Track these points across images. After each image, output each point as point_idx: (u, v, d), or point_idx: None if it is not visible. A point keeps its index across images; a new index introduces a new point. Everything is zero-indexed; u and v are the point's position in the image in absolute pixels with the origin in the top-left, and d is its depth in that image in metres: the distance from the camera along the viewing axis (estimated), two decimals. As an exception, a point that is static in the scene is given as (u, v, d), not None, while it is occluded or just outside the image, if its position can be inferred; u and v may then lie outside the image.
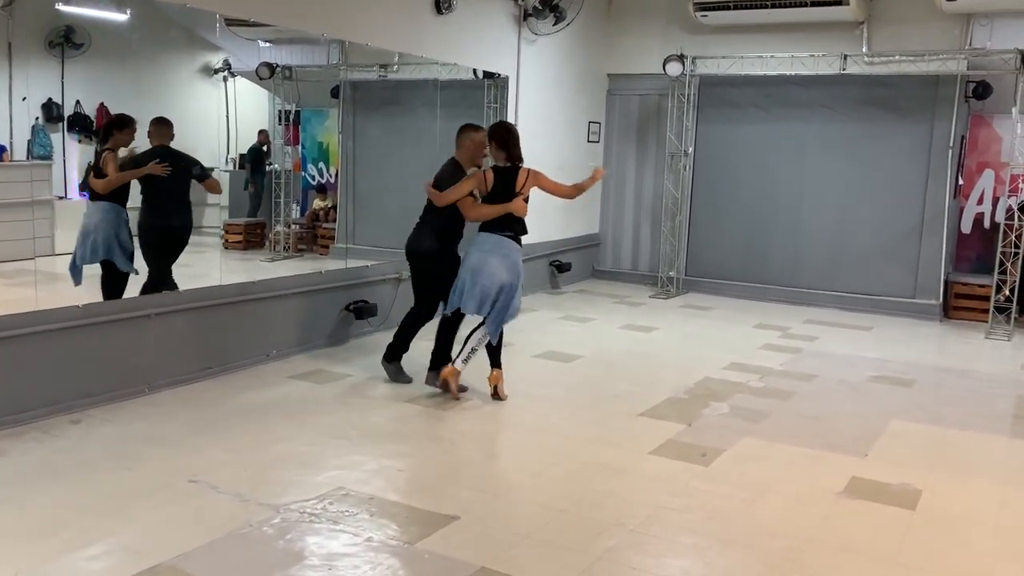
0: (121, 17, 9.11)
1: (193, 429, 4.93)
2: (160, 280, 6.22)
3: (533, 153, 9.63)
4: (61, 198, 9.91)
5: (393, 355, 6.09)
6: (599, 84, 11.01)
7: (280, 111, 10.76)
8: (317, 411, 5.37)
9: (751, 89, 10.16)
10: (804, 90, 9.86)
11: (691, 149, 10.37)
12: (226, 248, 10.15)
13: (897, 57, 9.15)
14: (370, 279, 7.43)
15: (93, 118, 10.29)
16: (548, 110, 9.89)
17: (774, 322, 8.89)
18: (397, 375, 6.05)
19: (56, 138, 10.32)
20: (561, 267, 10.36)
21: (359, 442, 4.83)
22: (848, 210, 9.89)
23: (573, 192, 6.05)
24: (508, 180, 5.66)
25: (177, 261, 6.48)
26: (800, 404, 6.01)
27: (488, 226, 5.71)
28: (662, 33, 10.40)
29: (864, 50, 9.32)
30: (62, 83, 10.19)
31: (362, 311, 7.12)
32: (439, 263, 5.90)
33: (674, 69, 9.80)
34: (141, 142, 6.78)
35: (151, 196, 6.46)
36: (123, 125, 6.72)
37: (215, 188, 7.11)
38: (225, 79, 10.92)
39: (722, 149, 10.49)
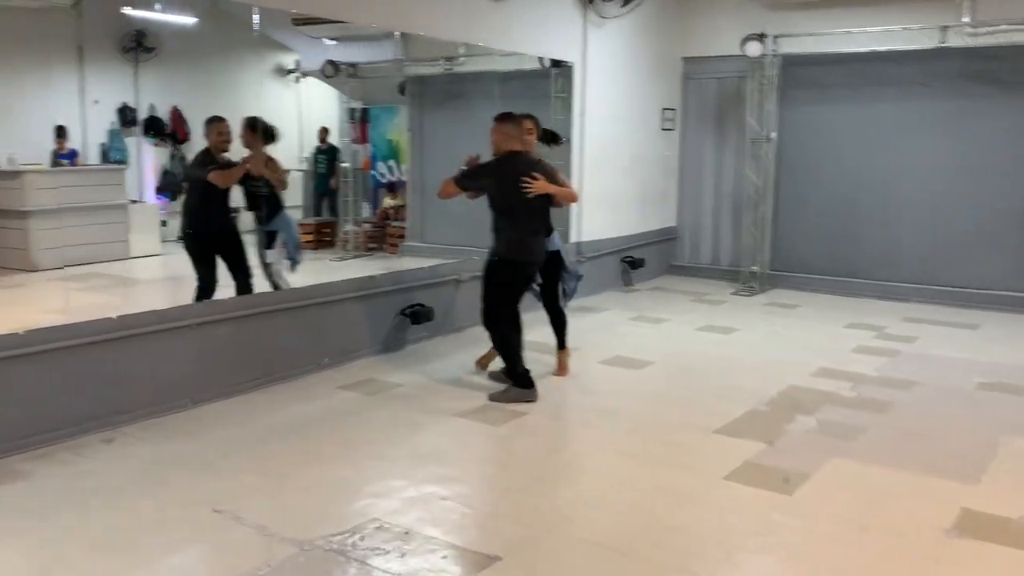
0: (188, 20, 9.04)
1: (228, 448, 4.62)
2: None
3: (602, 145, 9.18)
4: (135, 202, 9.92)
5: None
6: (673, 68, 10.38)
7: (349, 109, 10.56)
8: (361, 427, 5.00)
9: (839, 68, 9.39)
10: (898, 67, 9.04)
11: (774, 134, 9.66)
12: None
13: (1003, 26, 8.28)
14: (427, 281, 7.04)
15: (167, 121, 10.29)
16: (617, 98, 9.33)
17: (868, 321, 8.15)
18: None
19: (131, 143, 10.38)
20: (634, 263, 9.80)
21: (401, 463, 4.43)
22: (949, 196, 9.04)
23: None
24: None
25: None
26: (898, 418, 5.35)
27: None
28: (741, 11, 9.71)
29: (966, 20, 8.46)
30: (136, 87, 10.23)
31: (418, 315, 6.74)
32: None
33: (754, 49, 9.13)
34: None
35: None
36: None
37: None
38: (297, 79, 10.82)
39: (808, 134, 9.74)
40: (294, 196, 10.65)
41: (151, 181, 10.46)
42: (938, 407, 5.61)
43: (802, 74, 9.63)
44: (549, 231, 5.73)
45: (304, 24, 8.86)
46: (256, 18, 7.16)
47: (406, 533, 3.62)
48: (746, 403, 5.52)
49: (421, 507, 3.89)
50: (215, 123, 6.27)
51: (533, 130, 5.78)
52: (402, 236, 10.59)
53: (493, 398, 5.46)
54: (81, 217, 9.26)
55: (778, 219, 10.00)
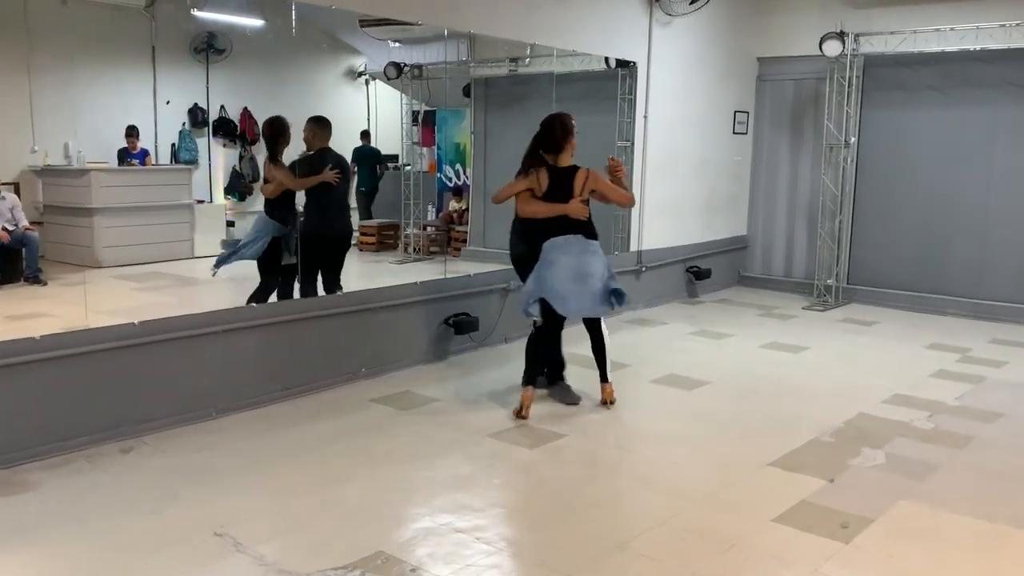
0: (257, 21, 9.00)
1: (245, 463, 4.39)
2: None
3: (667, 149, 8.74)
4: (200, 202, 9.92)
5: (550, 378, 5.67)
6: (747, 69, 9.86)
7: (414, 111, 10.40)
8: (386, 445, 4.72)
9: (925, 68, 8.74)
10: (991, 67, 8.36)
11: (853, 139, 9.06)
12: (360, 250, 9.90)
13: (1114, 22, 7.56)
14: (473, 289, 6.74)
15: (237, 122, 10.29)
16: (685, 100, 8.88)
17: (952, 342, 7.52)
18: (563, 395, 5.58)
19: (202, 143, 10.42)
20: (700, 273, 9.32)
21: (421, 488, 4.12)
22: (1048, 208, 8.32)
23: (630, 197, 5.61)
24: (564, 181, 5.18)
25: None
26: (980, 454, 4.80)
27: (548, 233, 5.20)
28: (820, 8, 9.13)
29: (1070, 15, 7.76)
30: (207, 88, 10.26)
31: (462, 325, 6.45)
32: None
33: (832, 48, 8.55)
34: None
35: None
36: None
37: None
38: (367, 82, 10.72)
39: (891, 139, 9.11)
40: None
41: (220, 181, 10.48)
42: (1026, 444, 5.04)
43: (885, 75, 9.01)
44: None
45: (371, 26, 8.72)
46: (291, 20, 6.95)
47: (412, 571, 3.31)
48: (808, 432, 5.05)
49: (434, 541, 3.57)
50: None
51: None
52: (465, 240, 10.36)
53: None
54: (146, 216, 9.28)
55: (857, 229, 9.38)
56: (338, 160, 6.18)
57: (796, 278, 9.90)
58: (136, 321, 4.78)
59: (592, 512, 3.95)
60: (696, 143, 9.13)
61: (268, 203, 6.15)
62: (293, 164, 6.25)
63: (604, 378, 5.48)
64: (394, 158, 10.60)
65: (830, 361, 6.89)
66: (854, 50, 8.69)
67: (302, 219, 6.13)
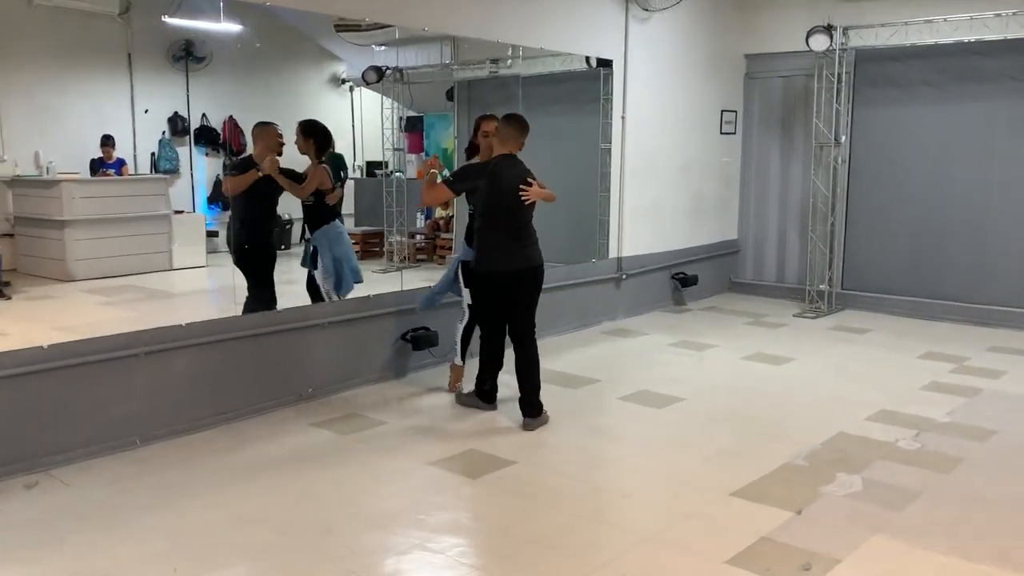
0: (234, 27, 8.72)
1: (155, 500, 4.02)
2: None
3: (647, 150, 8.34)
4: (179, 212, 9.60)
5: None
6: (734, 67, 9.45)
7: (400, 117, 10.08)
8: (315, 477, 4.33)
9: (919, 62, 8.31)
10: (988, 60, 7.92)
11: (844, 138, 8.63)
12: None
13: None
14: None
15: (220, 131, 9.99)
16: (667, 99, 8.48)
17: (947, 350, 7.08)
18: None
19: (183, 152, 10.13)
20: (686, 280, 8.91)
21: (343, 529, 3.73)
22: (1050, 208, 7.87)
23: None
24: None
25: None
26: (967, 479, 4.38)
27: None
28: (809, 1, 8.71)
29: (1070, 3, 7.32)
30: (187, 96, 9.97)
31: (420, 340, 6.07)
32: None
33: (820, 43, 8.14)
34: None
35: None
36: None
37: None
38: (352, 88, 10.43)
39: (884, 137, 8.67)
40: (345, 206, 10.26)
41: (202, 191, 10.20)
42: (1021, 467, 4.60)
43: (877, 70, 8.58)
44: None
45: (347, 31, 8.44)
46: (267, 24, 6.65)
47: (307, 629, 2.93)
48: (781, 455, 4.64)
49: (340, 591, 3.19)
50: None
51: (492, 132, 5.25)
52: (451, 248, 10.03)
53: (458, 400, 5.47)
54: (121, 228, 8.99)
55: (850, 232, 8.95)
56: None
57: (789, 284, 9.47)
58: (44, 345, 4.41)
59: (525, 553, 3.54)
60: (680, 144, 8.73)
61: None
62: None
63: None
64: (379, 165, 10.29)
65: (815, 373, 6.47)
66: (843, 44, 8.27)
67: (239, 230, 5.77)
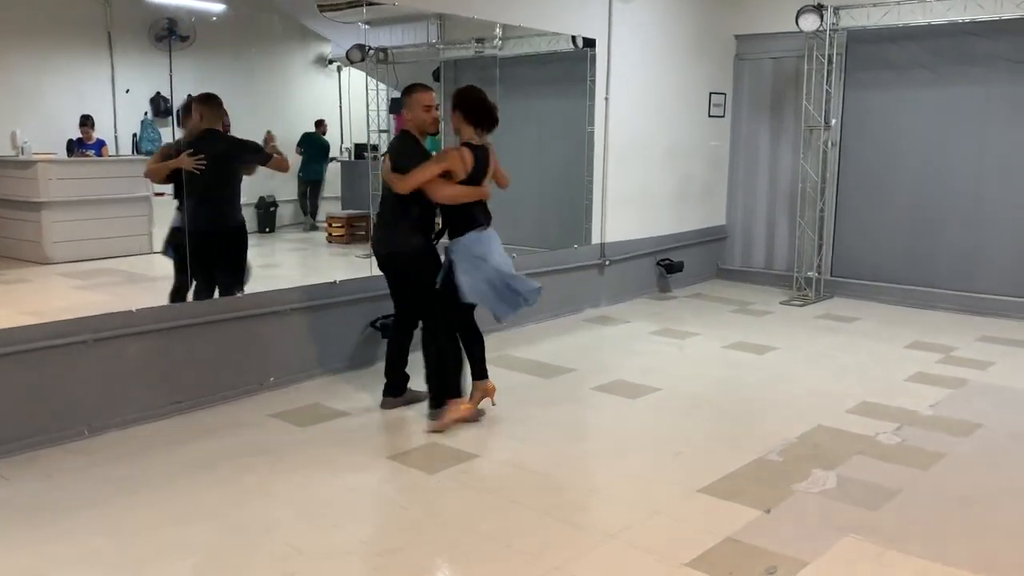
0: (218, 6, 8.52)
1: (96, 495, 3.83)
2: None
3: (631, 133, 8.11)
4: (160, 195, 9.39)
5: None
6: (723, 47, 9.21)
7: (388, 97, 9.87)
8: (267, 470, 4.14)
9: (912, 44, 8.09)
10: (983, 41, 7.69)
11: (834, 121, 8.41)
12: (329, 242, 9.42)
13: (1115, -11, 6.88)
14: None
15: None
16: (652, 81, 8.25)
17: (936, 339, 6.89)
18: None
19: (166, 134, 9.91)
20: (672, 267, 8.70)
21: (285, 527, 3.55)
22: (1044, 194, 7.65)
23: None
24: (482, 161, 4.63)
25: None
26: (947, 476, 4.19)
27: (470, 219, 4.61)
28: (800, -20, 8.46)
29: (1067, -18, 7.09)
30: (170, 76, 9.74)
31: (388, 328, 5.86)
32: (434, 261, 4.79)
33: (809, 23, 7.90)
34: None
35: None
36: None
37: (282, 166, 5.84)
38: (339, 69, 10.21)
39: (877, 121, 8.45)
40: (333, 187, 10.10)
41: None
42: (1005, 463, 4.42)
43: (869, 52, 8.35)
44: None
45: (330, 10, 8.23)
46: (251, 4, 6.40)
47: (232, 637, 2.75)
48: (754, 449, 4.46)
49: (274, 596, 3.01)
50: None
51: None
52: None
53: (433, 428, 4.64)
54: (99, 210, 8.78)
55: (840, 218, 8.74)
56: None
57: (777, 270, 9.27)
58: (-17, 331, 4.22)
59: (479, 552, 3.36)
60: (665, 127, 8.51)
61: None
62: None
63: (485, 373, 4.85)
64: (367, 148, 10.09)
65: (797, 363, 6.28)
66: (834, 24, 8.04)
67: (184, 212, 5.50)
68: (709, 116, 9.15)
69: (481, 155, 4.64)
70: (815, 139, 8.44)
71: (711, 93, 9.12)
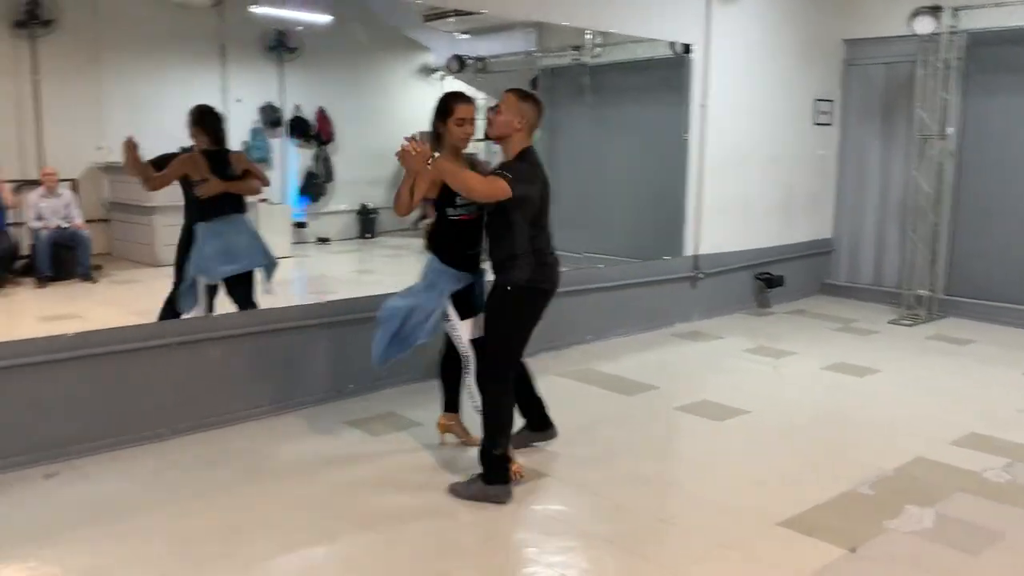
0: (324, 18, 8.78)
1: (162, 497, 3.90)
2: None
3: (730, 141, 7.81)
4: (263, 201, 9.70)
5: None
6: (832, 52, 8.80)
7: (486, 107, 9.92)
8: (307, 493, 4.04)
9: (1040, 46, 7.51)
10: (1123, 42, 7.08)
11: (950, 130, 7.89)
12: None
13: None
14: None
15: (314, 122, 10.07)
16: (753, 87, 7.95)
17: (1059, 367, 6.36)
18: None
19: (276, 143, 10.25)
20: (771, 281, 8.35)
21: (351, 542, 3.51)
22: None
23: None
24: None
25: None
26: (1061, 521, 3.81)
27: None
28: (916, -19, 8.00)
29: None
30: (280, 87, 10.07)
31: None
32: None
33: (924, 25, 7.46)
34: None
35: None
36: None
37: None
38: (442, 78, 10.34)
39: (998, 129, 7.89)
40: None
41: (293, 182, 10.28)
42: None
43: (991, 55, 7.80)
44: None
45: (434, 19, 8.35)
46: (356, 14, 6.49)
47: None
48: (845, 480, 4.16)
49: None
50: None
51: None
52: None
53: (454, 491, 3.97)
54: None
55: (957, 233, 8.20)
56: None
57: (887, 287, 8.77)
58: (69, 333, 4.36)
59: (534, 581, 3.24)
60: (767, 135, 8.17)
61: None
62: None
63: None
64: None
65: (900, 388, 5.88)
66: (952, 27, 7.55)
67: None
68: (815, 124, 8.75)
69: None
70: (929, 148, 7.94)
71: (816, 100, 8.72)
